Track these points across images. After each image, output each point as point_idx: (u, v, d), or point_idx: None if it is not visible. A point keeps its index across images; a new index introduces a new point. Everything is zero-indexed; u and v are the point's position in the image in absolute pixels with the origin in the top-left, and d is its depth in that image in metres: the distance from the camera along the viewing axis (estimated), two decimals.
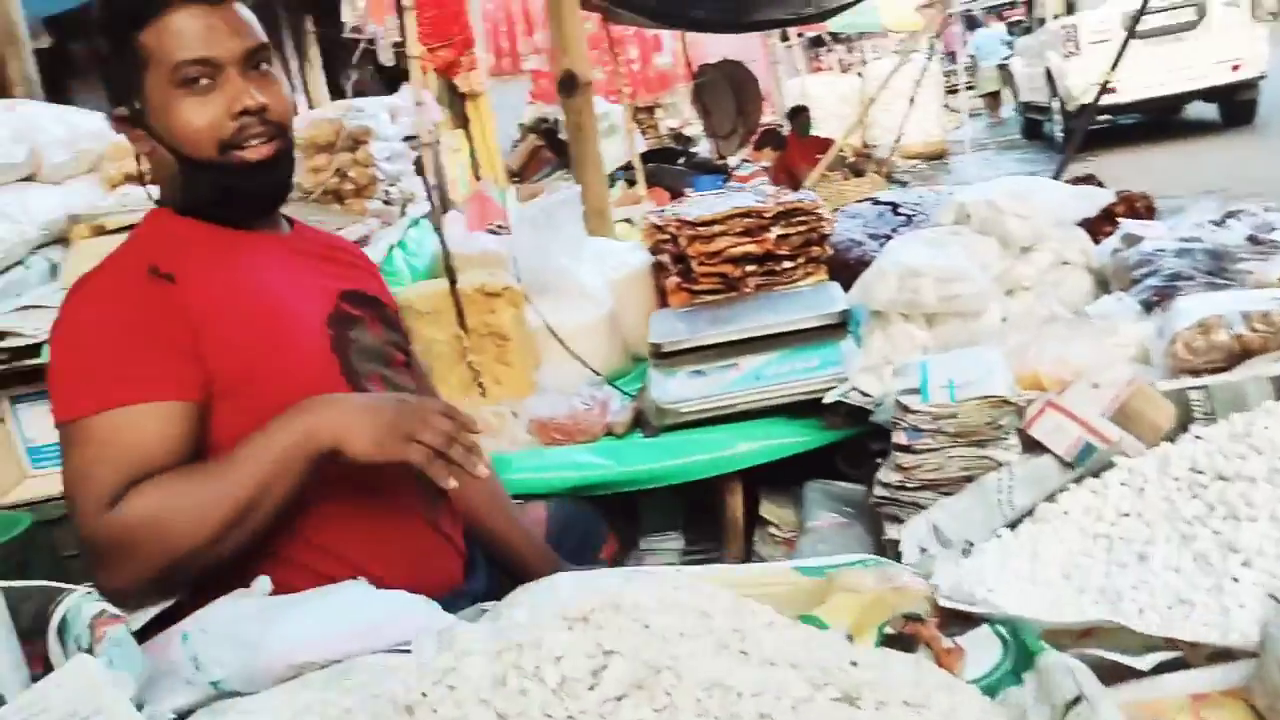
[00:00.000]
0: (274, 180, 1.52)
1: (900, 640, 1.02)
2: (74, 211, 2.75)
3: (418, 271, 3.08)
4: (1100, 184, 3.09)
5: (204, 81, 1.41)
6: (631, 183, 7.07)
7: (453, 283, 2.58)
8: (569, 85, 3.72)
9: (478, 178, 5.27)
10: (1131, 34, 5.35)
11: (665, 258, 2.76)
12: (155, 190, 1.56)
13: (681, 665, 0.78)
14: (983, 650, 1.01)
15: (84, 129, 2.94)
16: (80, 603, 1.19)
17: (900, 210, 3.15)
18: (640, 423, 2.37)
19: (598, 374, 2.55)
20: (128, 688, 1.08)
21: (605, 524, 1.92)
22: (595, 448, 2.31)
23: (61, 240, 2.77)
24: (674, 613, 0.84)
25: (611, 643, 0.80)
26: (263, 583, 1.31)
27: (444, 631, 1.08)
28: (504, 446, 2.32)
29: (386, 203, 3.11)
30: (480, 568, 1.67)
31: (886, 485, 1.79)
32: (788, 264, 2.66)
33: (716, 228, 2.63)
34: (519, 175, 7.92)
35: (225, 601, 1.27)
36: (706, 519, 2.43)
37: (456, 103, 5.44)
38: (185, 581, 1.35)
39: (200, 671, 1.16)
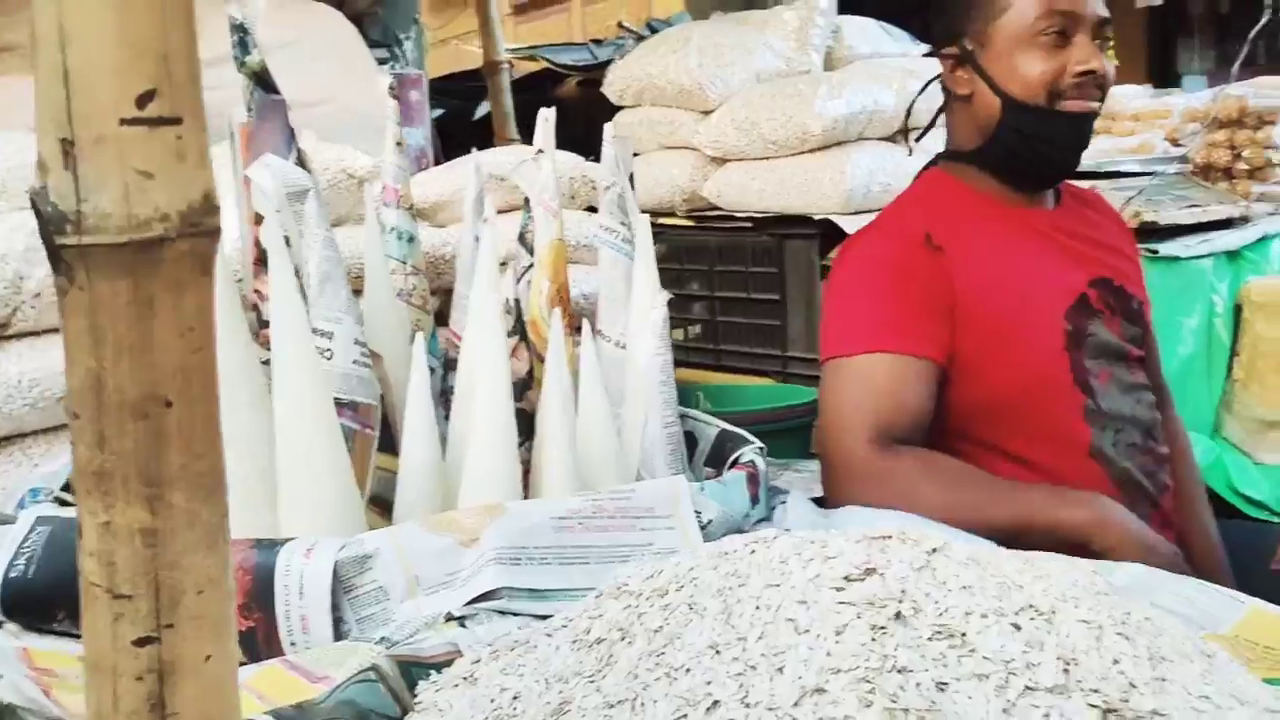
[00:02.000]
0: (1081, 137, 1.56)
1: None
2: None
3: None
4: None
5: (1056, 37, 1.48)
6: None
7: None
8: None
9: None
10: None
11: None
12: None
13: (924, 604, 0.76)
14: None
15: None
16: (745, 450, 1.37)
17: None
18: None
19: None
20: (709, 510, 1.19)
21: None
22: None
23: None
24: (972, 570, 0.81)
25: (879, 562, 0.79)
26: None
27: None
28: None
29: None
30: None
31: None
32: None
33: None
34: None
35: None
36: None
37: None
38: None
39: None
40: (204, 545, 0.61)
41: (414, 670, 0.93)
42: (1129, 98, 3.01)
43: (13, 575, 1.14)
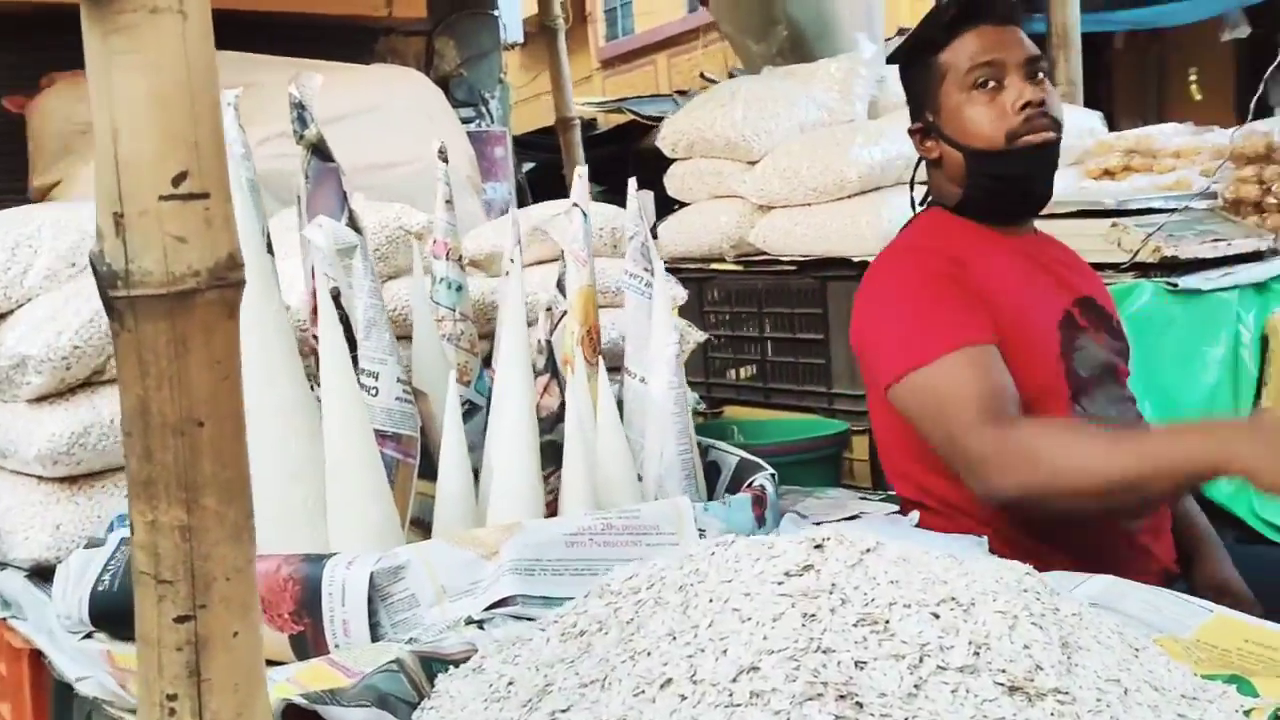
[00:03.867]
0: (1045, 165, 1.67)
1: None
2: None
3: None
4: None
5: (991, 84, 1.62)
6: None
7: None
8: None
9: None
10: None
11: None
12: None
13: (852, 595, 0.87)
14: None
15: None
16: (757, 476, 1.51)
17: None
18: None
19: None
20: (712, 528, 1.31)
21: None
22: None
23: None
24: (900, 567, 0.91)
25: (816, 560, 0.91)
26: (913, 516, 1.59)
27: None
28: None
29: None
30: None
31: None
32: None
33: None
34: None
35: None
36: None
37: None
38: (1067, 513, 1.49)
39: None
40: (231, 539, 0.75)
41: (434, 664, 1.07)
42: (1168, 135, 3.07)
43: (99, 589, 1.31)
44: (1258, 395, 2.34)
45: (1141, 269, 2.29)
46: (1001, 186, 1.65)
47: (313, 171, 1.47)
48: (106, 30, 0.67)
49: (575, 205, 1.65)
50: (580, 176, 1.69)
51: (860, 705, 0.79)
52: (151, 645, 0.74)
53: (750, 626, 0.85)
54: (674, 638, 0.87)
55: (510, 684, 0.95)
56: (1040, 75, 1.64)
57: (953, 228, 1.68)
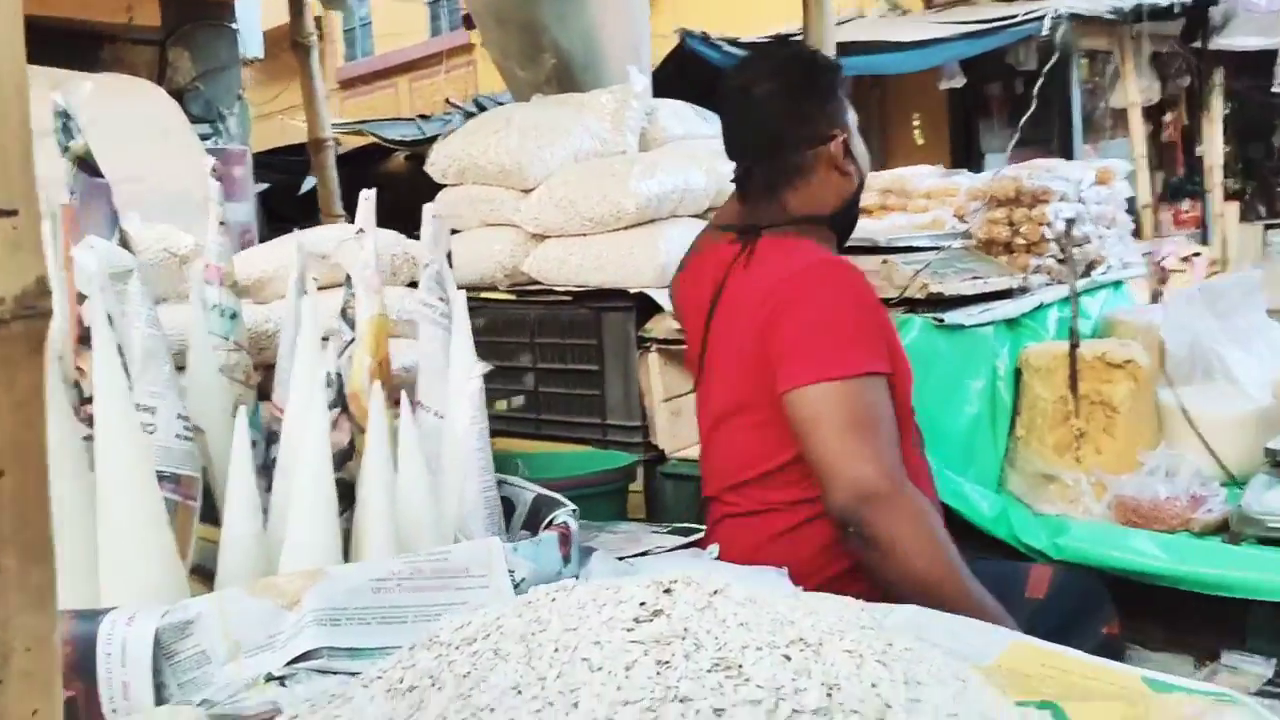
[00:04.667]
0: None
1: None
2: None
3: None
4: None
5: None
6: None
7: (1074, 347, 2.50)
8: None
9: None
10: None
11: None
12: None
13: (705, 640, 0.85)
14: None
15: None
16: (559, 513, 1.45)
17: None
18: (1227, 527, 2.22)
19: (1228, 471, 2.34)
20: (522, 569, 1.26)
21: (1110, 604, 1.85)
22: (1159, 539, 2.17)
23: None
24: (749, 609, 0.89)
25: (665, 604, 0.88)
26: (712, 550, 1.61)
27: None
28: (1073, 514, 2.30)
29: (1060, 261, 2.88)
30: None
31: None
32: None
33: None
34: None
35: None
36: None
37: None
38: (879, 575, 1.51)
39: None
40: (33, 606, 0.66)
41: None
42: (921, 177, 3.25)
43: None
44: (1012, 425, 2.49)
45: (910, 304, 2.39)
46: (855, 212, 1.82)
47: (80, 187, 1.34)
48: None
49: (362, 230, 1.57)
50: (367, 199, 1.62)
51: None
52: None
53: (602, 676, 0.82)
54: (519, 691, 0.83)
55: None
56: None
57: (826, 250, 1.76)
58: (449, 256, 1.58)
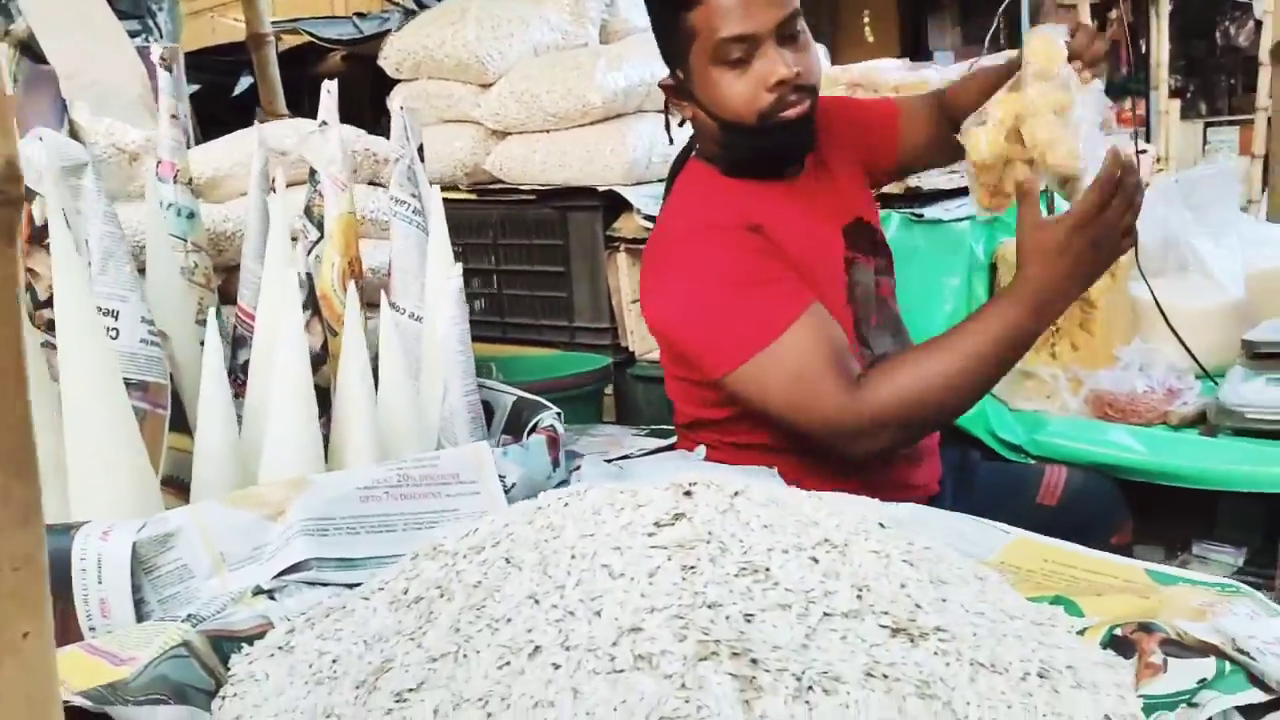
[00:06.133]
0: (804, 136, 1.59)
1: (1122, 644, 0.92)
2: None
3: None
4: None
5: (739, 57, 1.50)
6: None
7: None
8: None
9: None
10: None
11: None
12: None
13: (730, 543, 0.81)
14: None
15: None
16: (543, 416, 1.41)
17: None
18: (1204, 419, 2.17)
19: (1200, 365, 2.29)
20: (512, 474, 1.22)
21: (1125, 508, 1.84)
22: (1137, 432, 2.14)
23: None
24: (772, 510, 0.86)
25: (686, 507, 0.84)
26: (700, 450, 1.52)
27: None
28: (1050, 409, 2.25)
29: None
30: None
31: None
32: None
33: None
34: None
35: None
36: None
37: None
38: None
39: None
40: (18, 522, 0.60)
41: (225, 645, 0.93)
42: (888, 70, 3.16)
43: None
44: None
45: (887, 200, 2.34)
46: (757, 156, 1.59)
47: (23, 74, 1.25)
48: None
49: (326, 124, 1.49)
50: (329, 93, 1.53)
51: (755, 662, 0.72)
52: None
53: (624, 583, 0.77)
54: (536, 601, 0.78)
55: (334, 662, 0.83)
56: (799, 35, 1.54)
57: (733, 191, 1.61)
58: (420, 150, 1.50)
